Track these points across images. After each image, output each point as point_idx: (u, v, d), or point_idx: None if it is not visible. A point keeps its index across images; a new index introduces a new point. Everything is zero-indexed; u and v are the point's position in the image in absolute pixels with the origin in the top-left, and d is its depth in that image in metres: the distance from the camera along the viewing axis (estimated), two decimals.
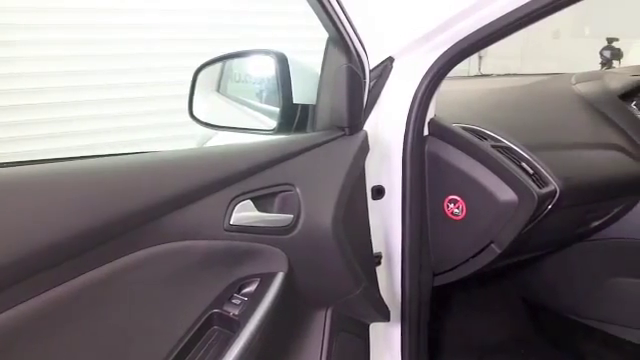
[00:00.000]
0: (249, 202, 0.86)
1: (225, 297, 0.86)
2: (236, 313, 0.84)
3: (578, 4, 0.96)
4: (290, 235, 0.89)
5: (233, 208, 0.84)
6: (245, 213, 0.85)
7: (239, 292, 0.87)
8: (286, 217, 0.89)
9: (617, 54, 2.28)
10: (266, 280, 0.88)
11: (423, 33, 1.06)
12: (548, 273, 1.80)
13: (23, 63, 3.18)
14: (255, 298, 0.86)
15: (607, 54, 2.29)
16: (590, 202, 1.38)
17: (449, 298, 1.86)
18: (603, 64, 2.31)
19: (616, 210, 1.49)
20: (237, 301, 0.86)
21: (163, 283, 0.80)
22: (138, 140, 3.52)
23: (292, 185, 0.90)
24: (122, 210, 0.73)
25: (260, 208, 0.87)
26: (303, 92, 1.06)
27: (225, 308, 0.85)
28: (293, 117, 1.06)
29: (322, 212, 0.90)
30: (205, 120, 1.25)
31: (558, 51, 3.57)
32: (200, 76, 1.29)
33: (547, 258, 1.72)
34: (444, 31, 1.04)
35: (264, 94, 1.25)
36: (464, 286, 1.38)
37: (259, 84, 1.29)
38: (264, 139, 0.98)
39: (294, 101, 1.05)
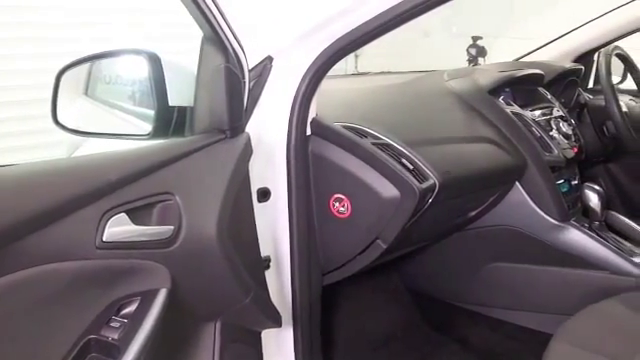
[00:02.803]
0: (124, 216, 0.79)
1: (102, 321, 0.79)
2: (115, 337, 0.77)
3: (446, 5, 1.00)
4: (171, 248, 0.84)
5: (105, 223, 0.77)
6: (120, 228, 0.78)
7: (118, 314, 0.80)
8: (166, 229, 0.83)
9: (482, 51, 2.42)
10: (147, 298, 0.82)
11: (300, 32, 1.05)
12: (431, 263, 1.87)
13: None
14: (136, 319, 0.79)
15: (473, 51, 2.42)
16: (467, 193, 1.45)
17: (339, 295, 1.88)
18: (470, 61, 2.44)
19: (491, 199, 1.57)
20: (116, 324, 0.79)
21: (29, 312, 0.72)
22: (3, 149, 3.20)
23: (171, 194, 0.85)
24: None
25: (136, 221, 0.81)
26: (179, 94, 1.01)
27: (103, 333, 0.78)
28: (169, 120, 1.00)
29: (205, 220, 0.85)
30: (72, 127, 1.15)
31: (429, 49, 3.75)
32: (64, 78, 1.19)
33: (429, 249, 1.78)
34: (321, 30, 1.04)
35: (137, 96, 1.18)
36: (352, 282, 1.40)
37: (131, 86, 1.21)
38: (139, 145, 0.91)
39: (170, 103, 1.00)
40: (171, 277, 0.85)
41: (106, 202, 0.78)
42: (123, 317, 0.80)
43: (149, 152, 0.88)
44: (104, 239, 0.77)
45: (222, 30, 0.90)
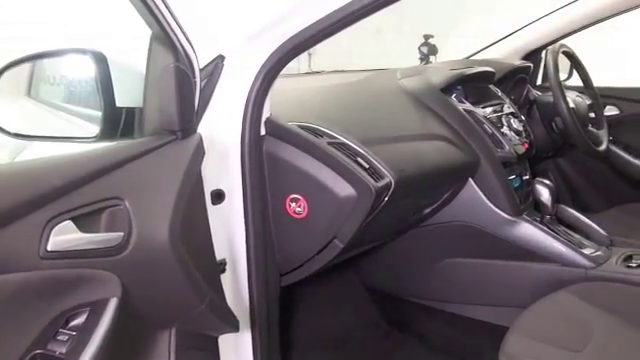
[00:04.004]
0: (70, 223, 0.76)
1: (49, 334, 0.75)
2: (63, 351, 0.74)
3: (396, 4, 1.00)
4: (121, 255, 0.81)
5: (50, 231, 0.74)
6: (66, 236, 0.75)
7: (66, 326, 0.77)
8: (115, 235, 0.80)
9: (433, 50, 2.44)
10: (97, 309, 0.78)
11: (252, 31, 1.04)
12: (387, 260, 1.88)
13: None
14: (85, 331, 0.76)
15: (425, 50, 2.44)
16: (422, 190, 1.46)
17: (296, 295, 1.87)
18: (422, 59, 2.46)
19: (445, 196, 1.59)
20: (64, 337, 0.75)
21: None
22: None
23: (120, 199, 0.81)
24: None
25: (83, 228, 0.77)
26: (128, 94, 0.98)
27: (50, 347, 0.74)
28: (117, 122, 0.97)
29: (157, 225, 0.83)
30: (14, 130, 1.10)
31: (381, 48, 3.77)
32: (4, 78, 1.14)
33: (385, 246, 1.79)
34: (273, 29, 1.04)
35: (83, 97, 1.14)
36: (309, 281, 1.39)
37: (77, 86, 1.17)
38: (85, 148, 0.88)
39: (118, 104, 0.96)
40: (122, 285, 0.82)
41: (50, 209, 0.74)
42: (71, 329, 0.77)
43: (96, 155, 0.85)
44: (49, 248, 0.74)
45: (171, 28, 0.88)
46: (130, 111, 0.97)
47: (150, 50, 0.94)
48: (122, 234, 0.81)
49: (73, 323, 0.78)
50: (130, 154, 0.86)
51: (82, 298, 0.79)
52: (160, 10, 0.84)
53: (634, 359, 1.12)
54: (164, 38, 0.89)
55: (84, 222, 0.78)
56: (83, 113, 1.10)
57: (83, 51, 0.99)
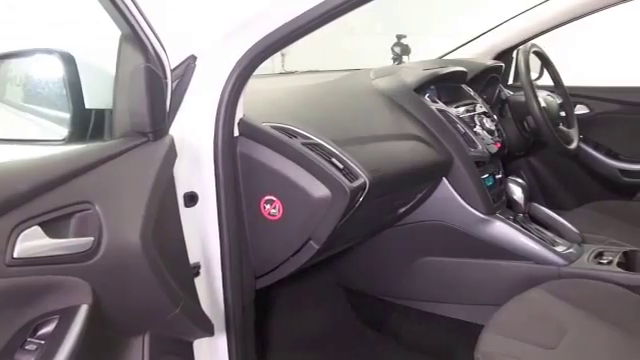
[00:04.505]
0: (38, 229, 0.74)
1: (16, 344, 0.73)
2: None
3: (369, 4, 1.01)
4: (92, 261, 0.79)
5: (16, 238, 0.71)
6: (33, 242, 0.73)
7: (34, 335, 0.75)
8: (85, 240, 0.78)
9: (406, 50, 2.45)
10: (66, 316, 0.77)
11: (225, 31, 1.03)
12: (362, 260, 1.88)
13: None
14: (55, 339, 0.74)
15: (397, 50, 2.44)
16: (397, 190, 1.46)
17: (272, 297, 1.86)
18: (394, 59, 2.46)
19: (419, 196, 1.60)
20: (32, 346, 0.73)
21: None
22: None
23: (90, 203, 0.80)
24: None
25: (52, 234, 0.75)
26: (97, 95, 0.96)
27: (17, 357, 0.72)
28: (87, 124, 0.95)
29: (128, 229, 0.81)
30: None
31: (354, 48, 3.77)
32: None
33: (360, 246, 1.79)
34: (246, 29, 1.03)
35: (51, 99, 1.11)
36: (285, 282, 1.39)
37: (44, 87, 1.15)
38: (54, 151, 0.86)
39: (87, 106, 0.95)
40: (93, 292, 0.80)
41: (16, 215, 0.72)
42: (40, 338, 0.75)
43: (65, 158, 0.83)
44: (15, 255, 0.72)
45: (141, 29, 0.86)
46: (100, 113, 0.96)
47: (120, 50, 0.92)
48: (92, 239, 0.79)
49: (42, 332, 0.76)
50: (100, 157, 0.84)
51: (51, 306, 0.77)
52: (130, 10, 0.83)
53: (606, 354, 1.14)
54: (134, 38, 0.87)
55: (52, 227, 0.76)
56: (51, 115, 1.07)
57: (50, 51, 0.98)
